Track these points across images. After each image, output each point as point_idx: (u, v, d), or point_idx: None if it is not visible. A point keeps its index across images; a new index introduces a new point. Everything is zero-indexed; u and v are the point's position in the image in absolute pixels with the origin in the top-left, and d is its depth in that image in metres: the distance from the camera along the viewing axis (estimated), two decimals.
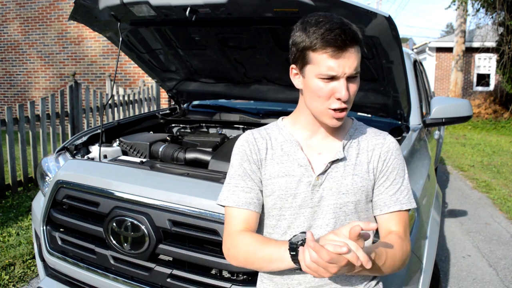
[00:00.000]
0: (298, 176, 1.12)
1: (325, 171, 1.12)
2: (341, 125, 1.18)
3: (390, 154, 1.16)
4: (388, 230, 1.14)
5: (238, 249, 1.12)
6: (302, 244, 0.96)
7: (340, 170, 1.13)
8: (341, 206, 1.11)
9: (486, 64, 16.46)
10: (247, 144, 1.19)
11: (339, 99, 1.03)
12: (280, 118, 1.26)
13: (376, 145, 1.16)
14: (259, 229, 1.21)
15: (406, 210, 1.15)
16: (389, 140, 1.18)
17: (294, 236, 1.01)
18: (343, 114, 1.07)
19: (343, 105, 1.05)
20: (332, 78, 1.02)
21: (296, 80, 1.13)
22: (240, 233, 1.13)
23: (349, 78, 1.03)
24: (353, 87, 1.05)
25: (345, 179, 1.12)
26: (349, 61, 1.01)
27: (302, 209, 1.12)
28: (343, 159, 1.13)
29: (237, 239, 1.12)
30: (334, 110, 1.06)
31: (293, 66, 1.11)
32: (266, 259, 1.06)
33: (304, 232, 1.01)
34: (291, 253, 0.98)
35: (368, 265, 0.87)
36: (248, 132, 1.23)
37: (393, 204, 1.14)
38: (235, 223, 1.15)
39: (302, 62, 1.06)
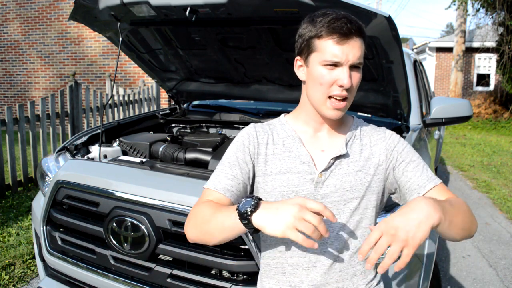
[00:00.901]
0: (301, 173, 1.12)
1: (328, 167, 1.11)
2: (343, 122, 1.19)
3: (397, 142, 1.16)
4: None
5: (194, 219, 1.08)
6: (253, 211, 0.91)
7: (344, 166, 1.12)
8: (345, 202, 1.11)
9: (486, 64, 16.46)
10: (247, 135, 1.19)
11: (341, 86, 1.04)
12: (283, 114, 1.25)
13: (378, 139, 1.17)
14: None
15: (441, 183, 1.12)
16: (389, 132, 1.19)
17: (240, 203, 0.95)
18: (343, 104, 1.07)
19: (344, 93, 1.05)
20: (336, 65, 1.04)
21: (300, 72, 1.14)
22: (201, 204, 1.09)
23: (352, 68, 1.05)
24: (356, 77, 1.06)
25: (349, 176, 1.11)
26: (354, 50, 1.03)
27: None
28: (345, 155, 1.13)
29: (197, 209, 1.09)
30: (335, 98, 1.06)
31: (297, 57, 1.13)
32: (218, 227, 1.01)
33: (250, 197, 0.95)
34: (243, 222, 0.93)
35: (334, 220, 0.89)
36: (251, 125, 1.23)
37: (427, 181, 1.10)
38: (204, 199, 1.12)
39: (307, 51, 1.08)
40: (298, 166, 1.12)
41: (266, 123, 1.24)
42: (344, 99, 1.07)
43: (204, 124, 2.95)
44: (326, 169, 1.11)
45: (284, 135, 1.18)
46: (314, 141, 1.17)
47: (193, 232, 1.09)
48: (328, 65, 1.04)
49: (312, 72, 1.08)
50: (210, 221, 1.03)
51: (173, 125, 3.01)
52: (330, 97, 1.07)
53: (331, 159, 1.12)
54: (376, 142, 1.16)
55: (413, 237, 0.84)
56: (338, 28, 1.01)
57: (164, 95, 8.69)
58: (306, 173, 1.12)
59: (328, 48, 1.03)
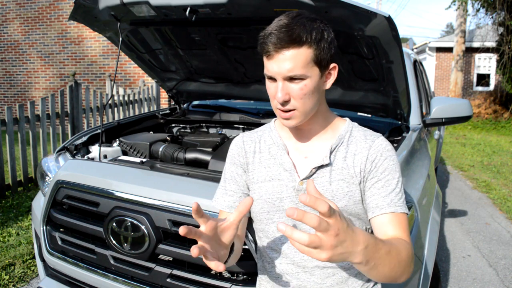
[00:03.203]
0: (283, 181, 1.12)
1: (309, 176, 1.10)
2: (332, 126, 1.17)
3: (380, 155, 1.10)
4: (385, 235, 1.05)
5: None
6: None
7: (326, 175, 1.10)
8: None
9: (486, 64, 16.46)
10: (236, 147, 1.22)
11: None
12: (273, 119, 1.27)
13: (364, 148, 1.12)
14: (251, 233, 1.22)
15: (402, 213, 1.07)
16: (378, 142, 1.12)
17: None
18: (288, 114, 1.07)
19: (285, 107, 1.06)
20: (273, 79, 1.06)
21: None
22: None
23: (292, 80, 1.03)
24: (296, 88, 1.04)
25: (330, 185, 1.09)
26: (283, 63, 1.01)
27: None
28: (329, 165, 1.10)
29: None
30: (281, 110, 1.08)
31: None
32: None
33: None
34: None
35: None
36: (240, 135, 1.26)
37: (387, 205, 1.06)
38: None
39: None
40: (281, 173, 1.13)
41: (255, 131, 1.26)
42: (290, 110, 1.06)
43: (204, 124, 2.95)
44: (307, 177, 1.10)
45: (270, 142, 1.19)
46: (298, 147, 1.16)
47: None
48: (269, 79, 1.07)
49: (266, 85, 1.11)
50: None
51: (173, 125, 3.02)
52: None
53: (313, 168, 1.09)
54: (361, 151, 1.11)
55: (327, 251, 0.78)
56: (264, 45, 1.03)
57: (164, 95, 8.69)
58: (288, 180, 1.12)
59: (265, 63, 1.06)
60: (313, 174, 1.10)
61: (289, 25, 1.01)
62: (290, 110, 1.06)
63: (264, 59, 1.06)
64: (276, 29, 1.01)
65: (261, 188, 1.14)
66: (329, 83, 1.11)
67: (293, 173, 1.12)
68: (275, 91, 1.05)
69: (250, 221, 1.27)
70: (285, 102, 1.05)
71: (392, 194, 1.08)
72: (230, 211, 1.19)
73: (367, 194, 1.10)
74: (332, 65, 1.09)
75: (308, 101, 1.06)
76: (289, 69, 1.01)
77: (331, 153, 1.11)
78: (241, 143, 1.22)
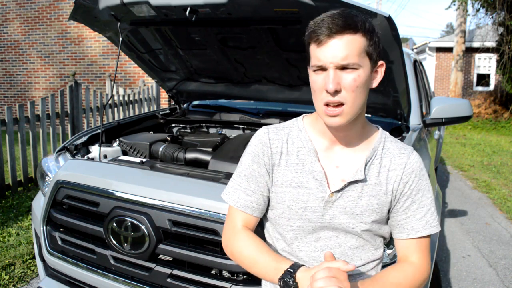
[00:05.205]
0: (312, 189, 1.07)
1: (341, 189, 1.06)
2: (366, 134, 1.12)
3: (414, 176, 1.08)
4: (406, 255, 1.08)
5: (236, 247, 1.11)
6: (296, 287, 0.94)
7: (357, 189, 1.06)
8: (354, 226, 1.07)
9: (486, 64, 16.46)
10: (260, 145, 1.13)
11: (327, 91, 0.97)
12: (302, 116, 1.18)
13: (399, 165, 1.08)
14: (262, 234, 1.19)
15: (435, 233, 1.09)
16: (412, 159, 1.09)
17: (286, 273, 0.96)
18: (338, 110, 0.98)
19: (336, 99, 0.97)
20: (322, 69, 0.98)
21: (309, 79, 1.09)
22: (240, 231, 1.12)
23: (344, 69, 0.97)
24: (348, 79, 0.97)
25: (361, 200, 1.06)
26: (336, 50, 0.95)
27: (311, 223, 1.08)
28: (362, 180, 1.06)
29: (237, 237, 1.11)
30: (327, 105, 0.99)
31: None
32: (257, 272, 1.06)
33: (289, 273, 0.96)
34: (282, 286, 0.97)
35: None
36: (264, 130, 1.16)
37: (422, 228, 1.07)
38: (235, 221, 1.14)
39: (308, 58, 1.03)
40: (310, 181, 1.07)
41: (281, 127, 1.17)
42: (340, 104, 0.98)
43: (204, 124, 2.95)
44: (338, 190, 1.06)
45: (299, 145, 1.11)
46: (329, 154, 1.10)
47: (233, 259, 1.14)
48: (317, 71, 0.99)
49: (310, 80, 1.03)
50: (247, 261, 1.07)
51: (173, 125, 3.02)
52: (327, 104, 0.99)
53: (347, 182, 1.06)
54: (395, 167, 1.08)
55: None
56: (317, 30, 0.96)
57: (164, 95, 8.69)
58: (317, 190, 1.07)
59: (313, 52, 0.98)
60: (345, 187, 1.06)
61: (342, 13, 0.97)
62: (339, 105, 0.98)
63: (313, 48, 0.98)
64: (329, 16, 0.96)
65: (285, 193, 1.09)
66: (376, 82, 1.07)
67: (323, 183, 1.06)
68: (324, 81, 0.97)
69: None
70: (335, 92, 0.97)
71: (428, 215, 1.08)
72: (245, 210, 1.12)
73: (401, 215, 1.09)
74: (380, 62, 1.05)
75: (359, 96, 1.00)
76: (343, 56, 0.95)
77: (365, 166, 1.07)
78: (267, 141, 1.12)
